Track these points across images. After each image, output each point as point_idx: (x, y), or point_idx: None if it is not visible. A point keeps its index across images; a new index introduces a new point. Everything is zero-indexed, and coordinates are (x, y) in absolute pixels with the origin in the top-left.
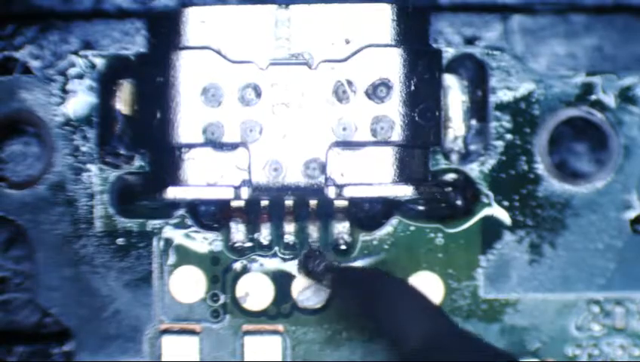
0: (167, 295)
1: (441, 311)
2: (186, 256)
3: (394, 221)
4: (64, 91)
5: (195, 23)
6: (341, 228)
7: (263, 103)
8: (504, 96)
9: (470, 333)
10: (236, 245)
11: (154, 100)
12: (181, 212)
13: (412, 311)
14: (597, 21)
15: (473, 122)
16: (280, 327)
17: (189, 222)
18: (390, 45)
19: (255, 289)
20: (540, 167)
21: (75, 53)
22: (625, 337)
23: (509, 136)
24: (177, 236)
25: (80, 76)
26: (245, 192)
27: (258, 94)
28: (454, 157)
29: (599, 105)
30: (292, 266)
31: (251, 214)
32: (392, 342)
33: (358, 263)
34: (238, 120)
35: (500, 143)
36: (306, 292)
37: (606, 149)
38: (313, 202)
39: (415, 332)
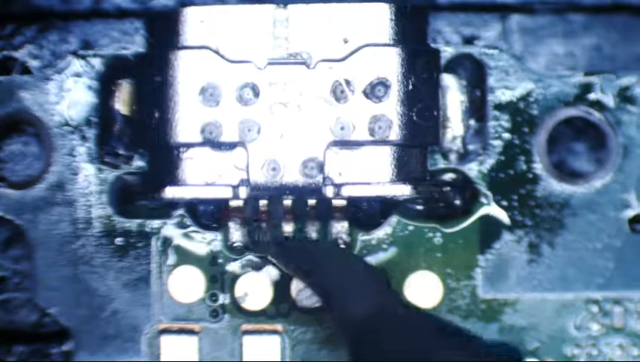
0: (166, 295)
1: (386, 285)
2: (184, 256)
3: (392, 220)
4: (63, 91)
5: (194, 22)
6: (340, 228)
7: (261, 103)
8: (503, 95)
9: (414, 307)
10: (235, 245)
11: (153, 100)
12: (180, 212)
13: (357, 283)
14: (596, 21)
15: (472, 122)
16: (279, 327)
17: (187, 221)
18: (388, 45)
19: (254, 289)
20: (539, 167)
21: (74, 53)
22: (623, 337)
23: (507, 136)
24: (176, 236)
25: (79, 76)
26: (243, 192)
27: (256, 94)
28: (453, 156)
29: (598, 105)
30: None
31: (250, 214)
32: (337, 314)
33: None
34: (237, 119)
35: (498, 143)
36: (305, 291)
37: (605, 149)
38: (311, 201)
39: (360, 304)
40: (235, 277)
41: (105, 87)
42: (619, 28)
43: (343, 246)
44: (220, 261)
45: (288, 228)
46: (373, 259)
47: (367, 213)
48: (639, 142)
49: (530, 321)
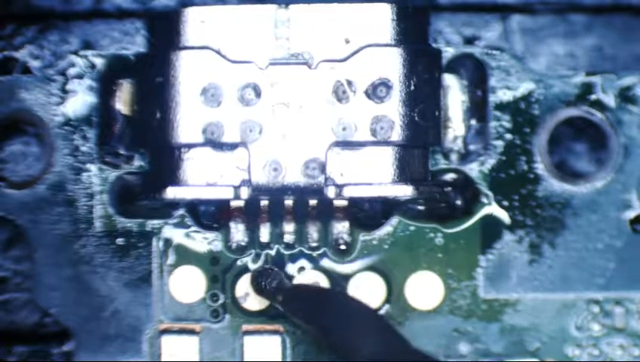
0: (166, 295)
1: (392, 328)
2: (185, 256)
3: (394, 221)
4: (64, 91)
5: (195, 22)
6: (341, 228)
7: (262, 103)
8: (504, 95)
9: (420, 351)
10: (234, 246)
11: (154, 100)
12: (181, 212)
13: (362, 328)
14: (596, 21)
15: (473, 122)
16: (280, 327)
17: (188, 221)
18: (390, 45)
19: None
20: (540, 167)
21: (75, 53)
22: (624, 337)
23: (508, 136)
24: (177, 236)
25: (80, 76)
26: (245, 192)
27: (258, 94)
28: (454, 157)
29: (599, 105)
30: (293, 267)
31: (251, 214)
32: (344, 359)
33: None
34: (238, 120)
35: (499, 143)
36: None
37: (606, 149)
38: (313, 202)
39: (365, 349)
40: (235, 277)
41: (106, 87)
42: (619, 28)
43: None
44: (221, 261)
45: (289, 228)
46: (374, 260)
47: (368, 213)
48: None
49: (531, 321)
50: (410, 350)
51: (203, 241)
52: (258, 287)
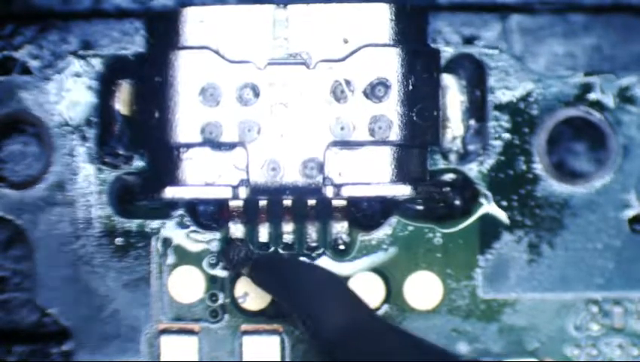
0: (165, 295)
1: (359, 300)
2: (184, 256)
3: (392, 221)
4: (63, 91)
5: (194, 22)
6: (339, 228)
7: (261, 103)
8: (503, 95)
9: (388, 323)
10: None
11: (152, 100)
12: (180, 212)
13: (331, 299)
14: (596, 21)
15: (472, 122)
16: (279, 327)
17: (187, 221)
18: (388, 45)
19: (254, 289)
20: (539, 167)
21: (74, 53)
22: (623, 337)
23: (507, 136)
24: (176, 236)
25: (79, 76)
26: (243, 192)
27: (256, 94)
28: (453, 157)
29: (598, 105)
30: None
31: (250, 214)
32: (310, 330)
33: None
34: (237, 119)
35: (498, 143)
36: None
37: (605, 149)
38: (311, 202)
39: (333, 321)
40: (234, 278)
41: (105, 87)
42: (619, 28)
43: (310, 261)
44: (220, 261)
45: (288, 228)
46: (373, 260)
47: (367, 213)
48: (639, 142)
49: (530, 321)
50: (379, 323)
51: (202, 241)
52: (227, 260)
